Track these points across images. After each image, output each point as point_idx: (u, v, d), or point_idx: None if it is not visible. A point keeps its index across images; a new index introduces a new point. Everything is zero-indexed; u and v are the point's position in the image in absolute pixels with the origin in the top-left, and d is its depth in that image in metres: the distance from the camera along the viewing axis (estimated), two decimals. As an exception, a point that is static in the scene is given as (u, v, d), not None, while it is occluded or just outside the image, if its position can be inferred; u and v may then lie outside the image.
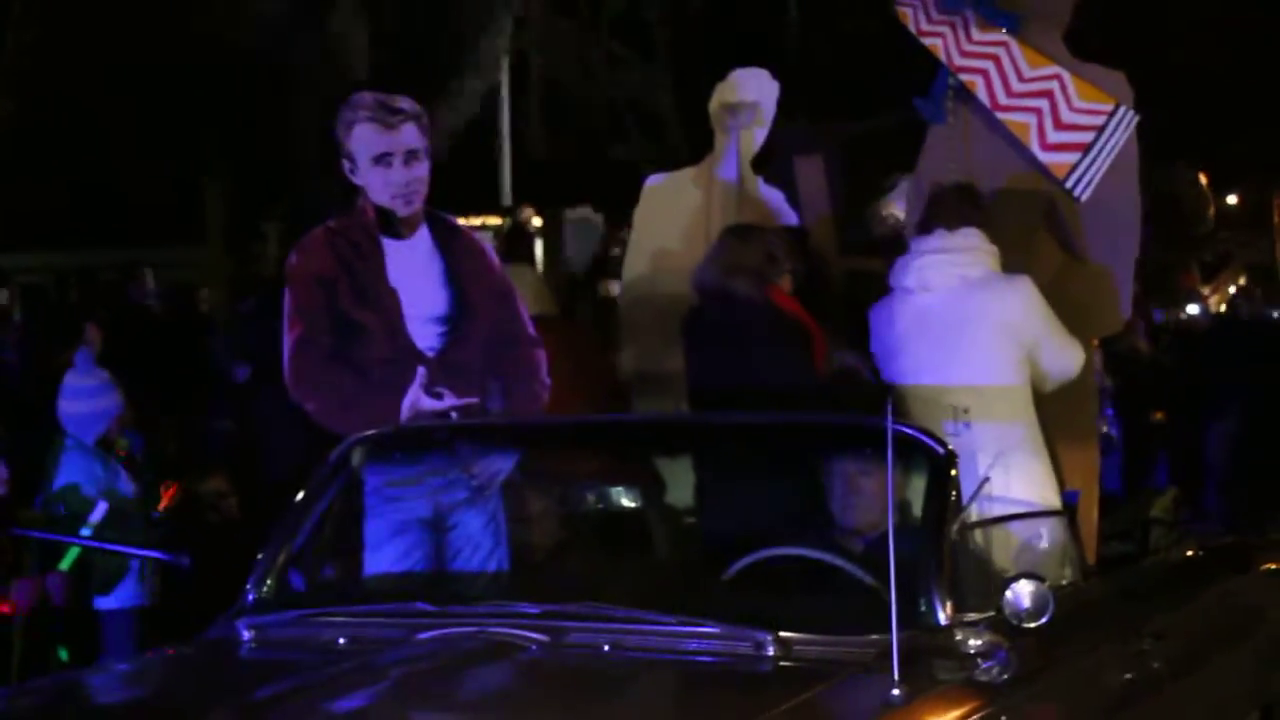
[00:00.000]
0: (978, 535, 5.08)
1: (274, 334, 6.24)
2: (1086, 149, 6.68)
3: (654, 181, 8.13)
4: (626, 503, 6.31)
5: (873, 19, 14.23)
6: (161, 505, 7.99)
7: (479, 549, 5.94)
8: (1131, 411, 11.16)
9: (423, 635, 4.72)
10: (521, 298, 6.51)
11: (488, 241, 7.28)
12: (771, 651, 4.50)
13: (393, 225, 6.21)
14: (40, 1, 16.69)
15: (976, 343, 6.32)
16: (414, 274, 6.20)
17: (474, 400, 6.15)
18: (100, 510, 7.60)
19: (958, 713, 4.37)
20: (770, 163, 8.23)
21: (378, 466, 5.80)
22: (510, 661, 4.56)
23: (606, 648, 4.58)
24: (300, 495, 5.41)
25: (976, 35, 6.95)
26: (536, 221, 14.96)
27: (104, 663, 7.06)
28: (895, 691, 4.21)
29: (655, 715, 4.48)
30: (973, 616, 4.68)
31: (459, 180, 9.11)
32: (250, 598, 5.17)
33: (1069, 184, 6.70)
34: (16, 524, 7.44)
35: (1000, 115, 6.85)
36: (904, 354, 6.45)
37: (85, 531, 7.57)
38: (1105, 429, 9.41)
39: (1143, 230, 6.95)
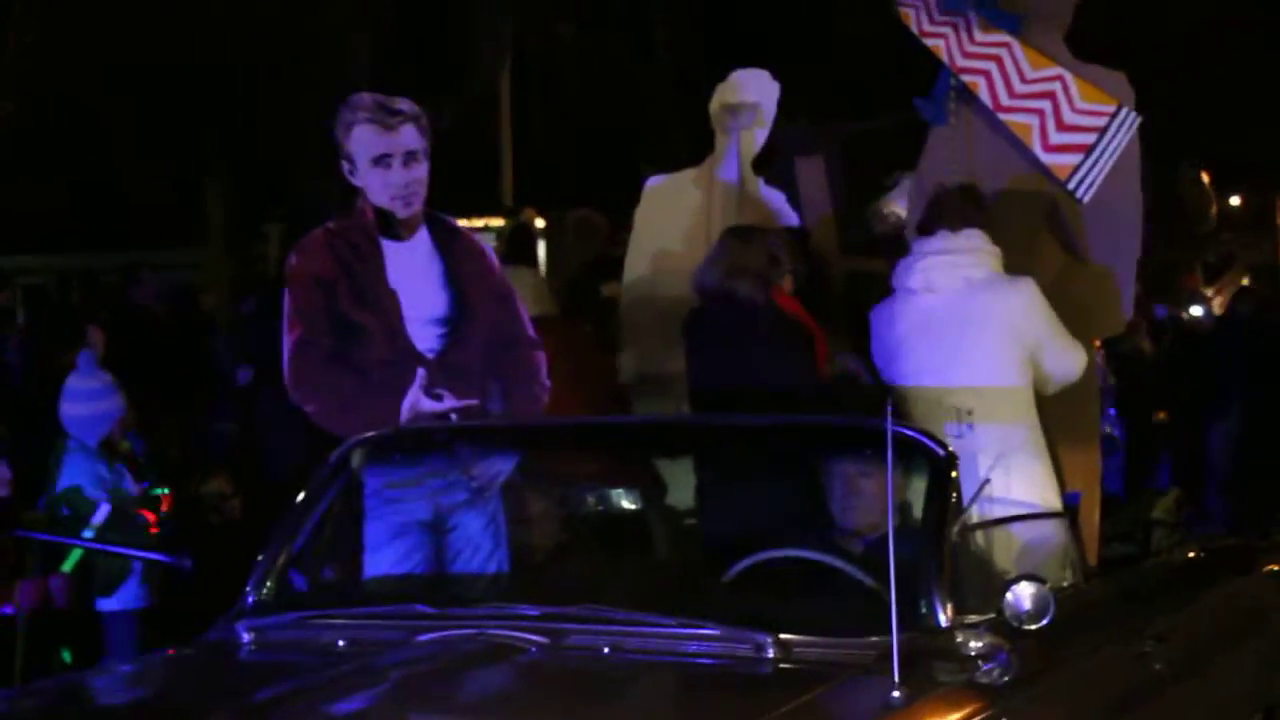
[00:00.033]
0: (978, 537, 5.08)
1: (274, 335, 6.23)
2: (1089, 150, 6.67)
3: (655, 182, 8.12)
4: (627, 505, 6.30)
5: (873, 19, 14.25)
6: (162, 509, 7.98)
7: (479, 551, 5.94)
8: (1134, 412, 11.15)
9: (423, 637, 4.72)
10: (521, 299, 6.51)
11: (489, 243, 7.27)
12: (771, 653, 4.49)
13: (392, 227, 6.20)
14: (41, 2, 16.67)
15: (979, 344, 6.31)
16: (414, 275, 6.19)
17: (474, 402, 6.15)
18: (103, 512, 7.60)
19: (958, 715, 4.36)
20: (771, 164, 8.23)
21: (378, 468, 5.79)
22: (510, 664, 4.55)
23: (606, 650, 4.57)
24: (300, 497, 5.41)
25: (979, 36, 6.95)
26: (540, 223, 14.94)
27: (106, 664, 7.07)
28: (895, 694, 4.21)
29: (655, 717, 4.47)
30: (973, 618, 4.67)
31: (460, 181, 9.10)
32: (250, 600, 5.16)
33: (1071, 185, 6.69)
34: (19, 525, 7.44)
35: (1002, 116, 6.85)
36: (906, 355, 6.44)
37: (88, 533, 7.57)
38: (1108, 429, 9.39)
39: (1145, 230, 6.95)
